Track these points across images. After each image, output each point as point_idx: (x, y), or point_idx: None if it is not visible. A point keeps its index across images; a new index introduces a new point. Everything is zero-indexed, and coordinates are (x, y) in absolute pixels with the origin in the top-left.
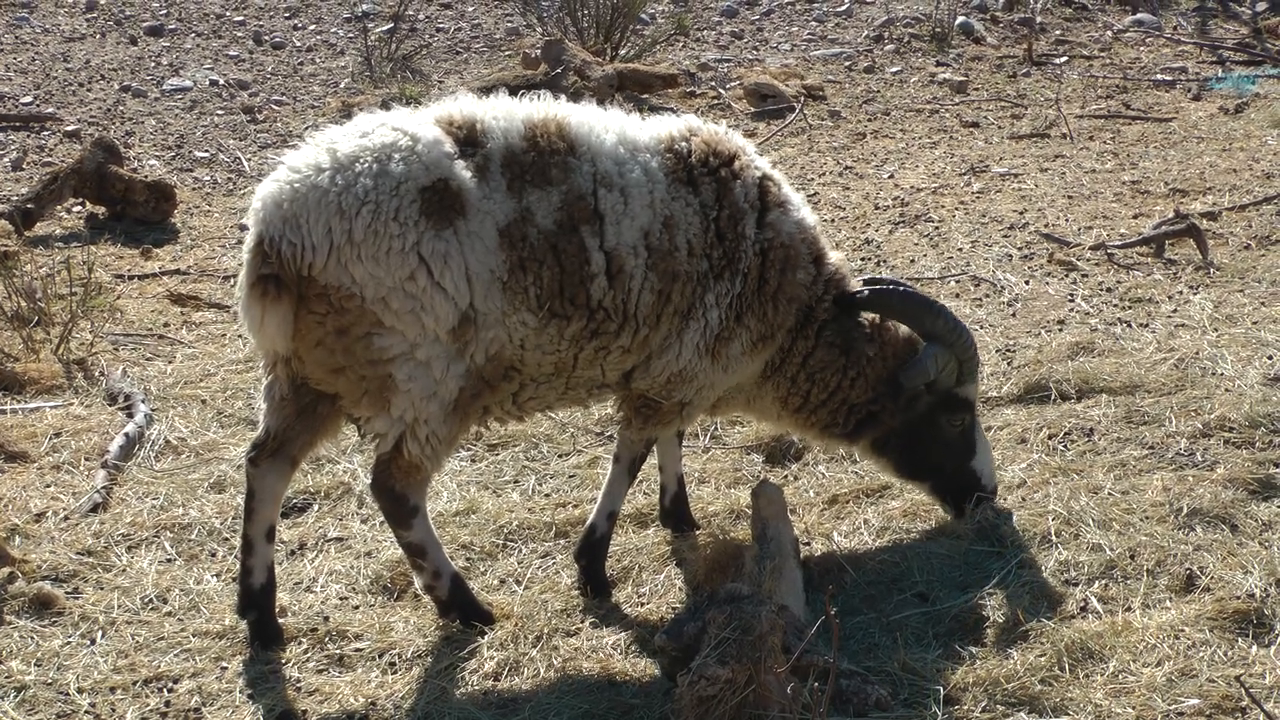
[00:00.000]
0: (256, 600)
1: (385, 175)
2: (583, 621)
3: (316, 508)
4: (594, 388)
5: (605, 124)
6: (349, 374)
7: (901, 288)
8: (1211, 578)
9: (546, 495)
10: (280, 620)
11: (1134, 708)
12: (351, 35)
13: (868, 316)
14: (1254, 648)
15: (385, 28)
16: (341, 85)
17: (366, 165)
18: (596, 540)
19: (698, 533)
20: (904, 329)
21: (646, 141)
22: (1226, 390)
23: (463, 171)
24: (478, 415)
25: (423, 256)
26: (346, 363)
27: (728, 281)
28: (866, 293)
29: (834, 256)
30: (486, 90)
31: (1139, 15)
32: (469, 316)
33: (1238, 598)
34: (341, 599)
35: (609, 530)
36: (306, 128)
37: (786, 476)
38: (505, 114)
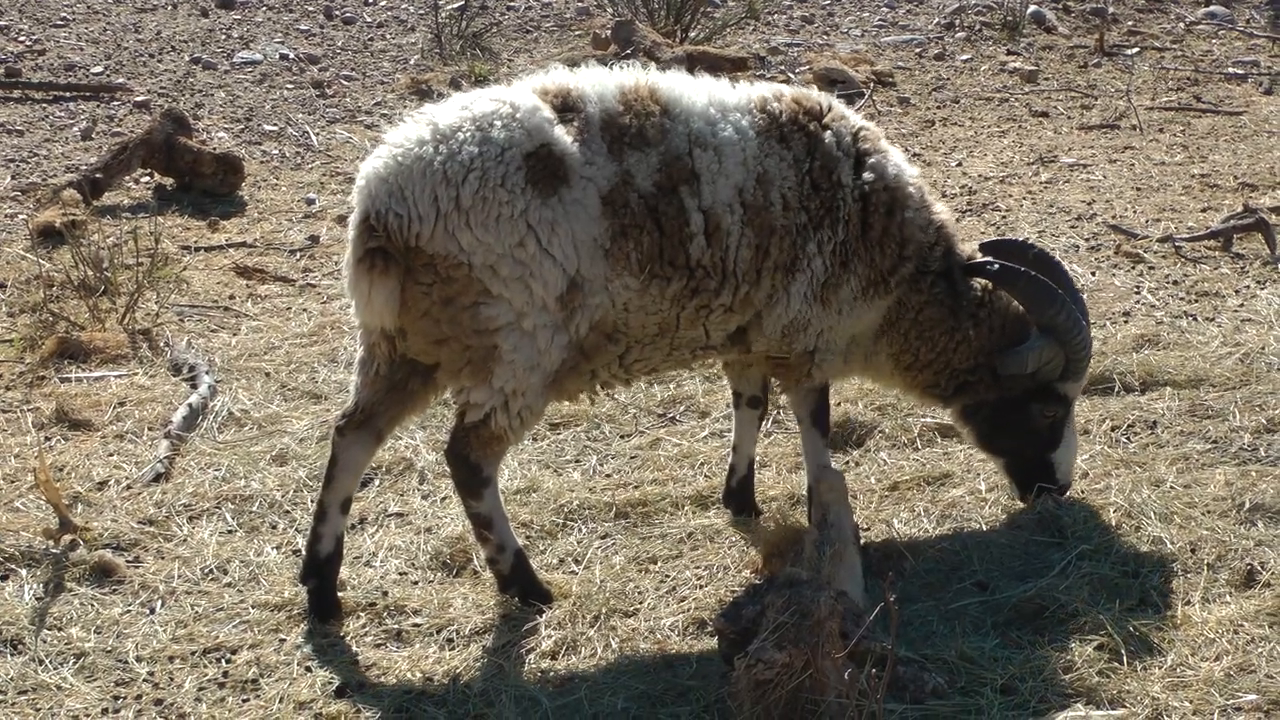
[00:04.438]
0: (320, 568)
1: (489, 142)
2: (640, 602)
3: (377, 483)
4: (698, 349)
5: (695, 87)
6: (453, 344)
7: (1031, 272)
8: (1272, 573)
9: (607, 476)
10: (339, 594)
11: (1191, 701)
12: (422, 12)
13: (980, 282)
14: None
15: (456, 5)
16: (411, 62)
17: (469, 134)
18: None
19: (759, 516)
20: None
21: (737, 102)
22: None
23: (564, 136)
24: (586, 380)
25: (530, 224)
26: (452, 333)
27: (828, 229)
28: (996, 266)
29: (940, 206)
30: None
31: (1212, 7)
32: (576, 283)
33: None
34: (401, 574)
35: None
36: (375, 104)
37: (848, 462)
38: (599, 81)
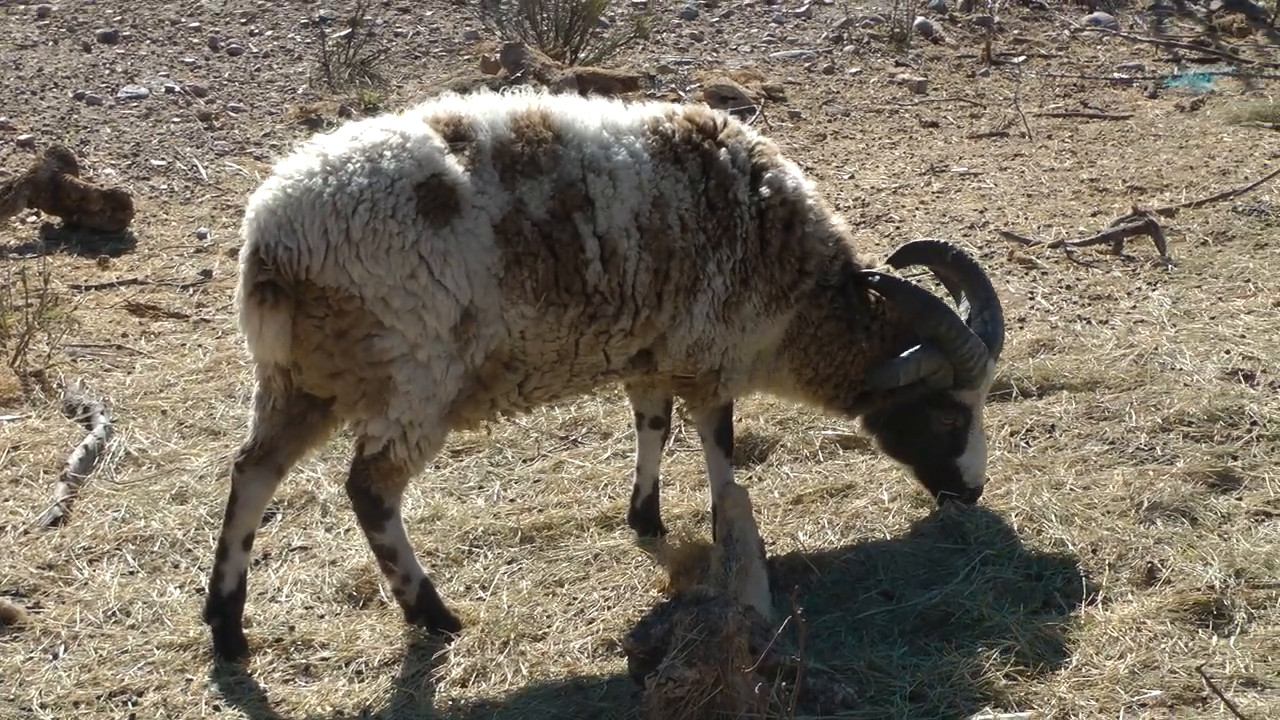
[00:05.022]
0: (224, 606)
1: (379, 173)
2: (549, 626)
3: (280, 517)
4: (599, 373)
5: (588, 111)
6: (348, 377)
7: (911, 284)
8: (1172, 570)
9: (511, 500)
10: (245, 630)
11: (1097, 700)
12: (309, 41)
13: (872, 293)
14: (1214, 638)
15: (343, 33)
16: (299, 91)
17: (359, 165)
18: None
19: (664, 535)
20: None
21: (630, 124)
22: (1185, 385)
23: (455, 166)
24: (485, 408)
25: (422, 255)
26: (346, 366)
27: (727, 248)
28: (877, 278)
29: (838, 219)
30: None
31: (1096, 14)
32: (470, 313)
33: (1198, 589)
34: (307, 608)
35: None
36: (264, 134)
37: (751, 477)
38: (490, 108)
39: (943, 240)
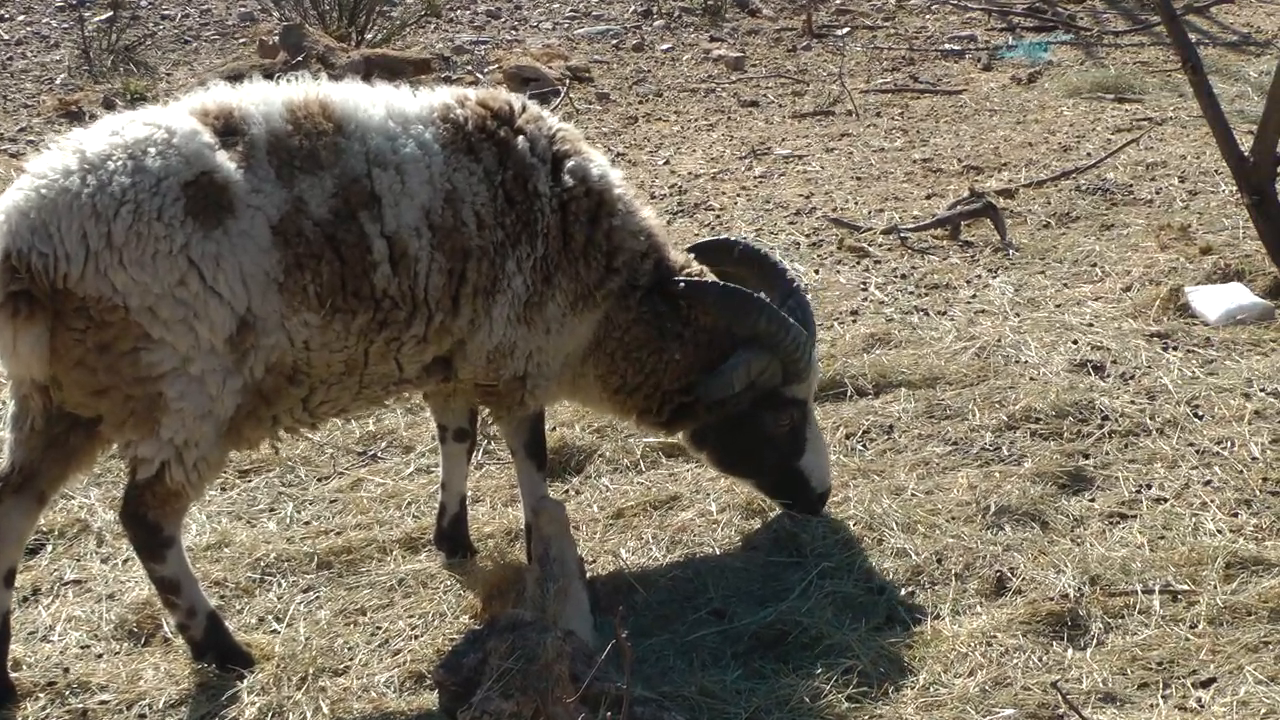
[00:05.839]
0: None
1: (143, 171)
2: (351, 659)
3: (51, 548)
4: (391, 384)
5: (372, 99)
6: (113, 395)
7: (720, 283)
8: (1023, 579)
9: (306, 523)
10: (13, 674)
11: None
12: (66, 26)
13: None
14: (1069, 651)
15: (104, 16)
16: (58, 81)
17: (121, 162)
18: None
19: (475, 556)
20: None
21: (418, 113)
22: (1031, 379)
23: (227, 162)
24: (267, 426)
25: (192, 259)
26: (110, 382)
27: (527, 244)
28: (683, 284)
29: (649, 212)
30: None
31: None
32: (248, 322)
33: (1050, 599)
34: (83, 648)
35: None
36: (19, 130)
37: (568, 491)
38: (263, 98)
39: (729, 237)
